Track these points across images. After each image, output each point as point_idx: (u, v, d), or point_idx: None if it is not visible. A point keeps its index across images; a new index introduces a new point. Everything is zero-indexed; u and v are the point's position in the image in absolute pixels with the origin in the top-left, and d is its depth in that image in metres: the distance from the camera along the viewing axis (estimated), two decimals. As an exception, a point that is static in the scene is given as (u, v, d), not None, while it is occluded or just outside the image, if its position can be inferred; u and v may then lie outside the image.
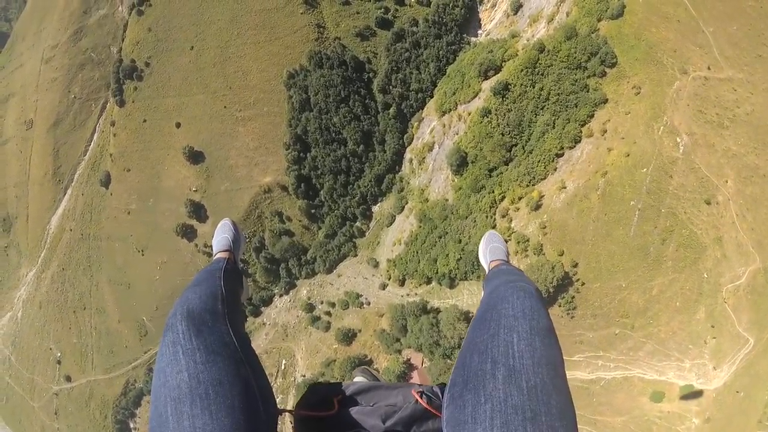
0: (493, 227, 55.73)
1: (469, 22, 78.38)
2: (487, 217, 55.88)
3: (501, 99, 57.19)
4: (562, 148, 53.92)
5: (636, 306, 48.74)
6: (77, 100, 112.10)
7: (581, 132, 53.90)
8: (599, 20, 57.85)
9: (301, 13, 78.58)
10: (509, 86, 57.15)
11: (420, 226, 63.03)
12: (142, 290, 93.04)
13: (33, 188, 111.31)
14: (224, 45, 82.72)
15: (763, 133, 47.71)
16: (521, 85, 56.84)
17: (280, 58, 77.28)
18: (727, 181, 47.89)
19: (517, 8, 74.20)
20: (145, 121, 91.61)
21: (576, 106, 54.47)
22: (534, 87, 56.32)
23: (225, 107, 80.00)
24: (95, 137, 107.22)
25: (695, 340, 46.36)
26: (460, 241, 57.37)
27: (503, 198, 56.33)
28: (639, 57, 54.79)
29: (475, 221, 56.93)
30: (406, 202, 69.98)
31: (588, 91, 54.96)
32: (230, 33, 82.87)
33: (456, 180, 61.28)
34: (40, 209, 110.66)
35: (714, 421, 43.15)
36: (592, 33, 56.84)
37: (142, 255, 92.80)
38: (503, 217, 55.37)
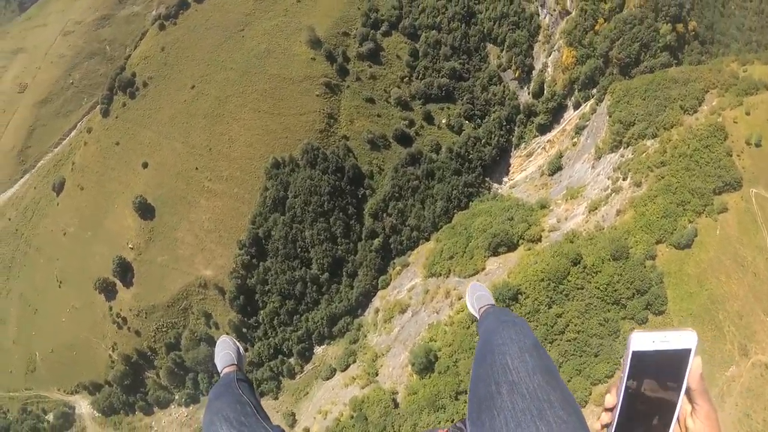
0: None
1: (497, 164, 66.30)
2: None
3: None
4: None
5: None
6: (73, 87, 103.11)
7: (590, 394, 39.24)
8: (659, 242, 44.70)
9: (317, 95, 67.36)
10: (519, 296, 43.24)
11: (352, 418, 47.79)
12: (46, 324, 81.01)
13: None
14: (224, 98, 71.68)
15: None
16: (535, 300, 43.07)
17: (273, 138, 65.47)
18: None
19: (554, 170, 61.77)
20: (117, 143, 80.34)
21: (596, 356, 40.28)
22: (550, 309, 42.51)
23: (196, 169, 67.98)
24: (72, 134, 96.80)
25: None
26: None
27: (464, 441, 41.27)
28: (695, 312, 41.59)
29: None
30: (354, 362, 55.29)
31: (617, 339, 40.73)
32: (235, 87, 71.98)
33: (415, 379, 46.45)
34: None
35: None
36: (647, 259, 43.53)
37: (59, 287, 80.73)
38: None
